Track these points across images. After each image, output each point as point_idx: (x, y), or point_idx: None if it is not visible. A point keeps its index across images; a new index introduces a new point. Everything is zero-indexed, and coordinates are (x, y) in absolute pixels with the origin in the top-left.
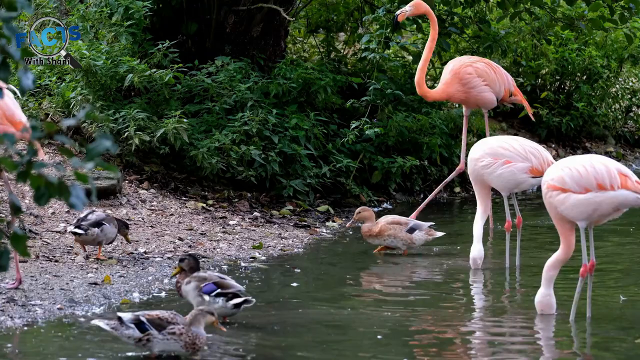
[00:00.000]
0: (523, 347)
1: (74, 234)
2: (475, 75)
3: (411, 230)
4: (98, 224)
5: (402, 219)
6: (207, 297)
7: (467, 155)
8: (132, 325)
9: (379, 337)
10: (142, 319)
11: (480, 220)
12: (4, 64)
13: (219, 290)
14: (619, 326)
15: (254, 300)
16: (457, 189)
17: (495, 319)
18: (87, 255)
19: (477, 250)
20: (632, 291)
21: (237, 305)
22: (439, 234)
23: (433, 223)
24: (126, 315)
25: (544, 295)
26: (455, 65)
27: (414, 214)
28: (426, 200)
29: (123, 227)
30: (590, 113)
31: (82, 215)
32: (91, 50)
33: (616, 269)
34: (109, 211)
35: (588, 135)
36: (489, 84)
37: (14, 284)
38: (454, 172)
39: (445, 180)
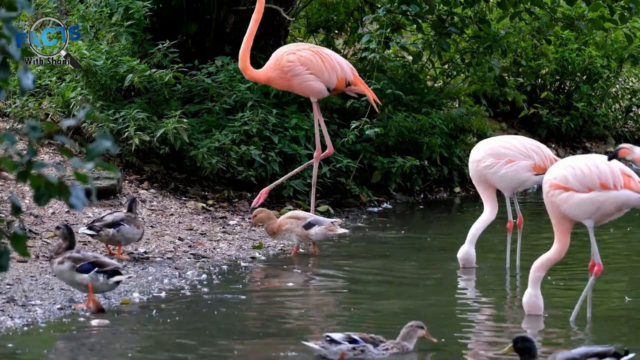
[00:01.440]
0: None
1: (88, 235)
2: (297, 64)
3: (309, 225)
4: (115, 224)
5: (302, 214)
6: (85, 276)
7: (321, 142)
8: (345, 342)
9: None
10: (355, 337)
11: (482, 223)
12: (4, 64)
13: (97, 268)
14: (625, 328)
15: (133, 275)
16: (457, 189)
17: (495, 319)
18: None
19: (463, 252)
20: (637, 292)
21: (117, 282)
22: (342, 230)
23: (337, 220)
24: (337, 335)
25: (532, 296)
26: (280, 51)
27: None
28: (276, 182)
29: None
30: (590, 113)
31: (100, 215)
32: (91, 50)
33: (620, 269)
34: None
35: (588, 135)
36: (314, 72)
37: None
38: (312, 160)
39: (300, 167)
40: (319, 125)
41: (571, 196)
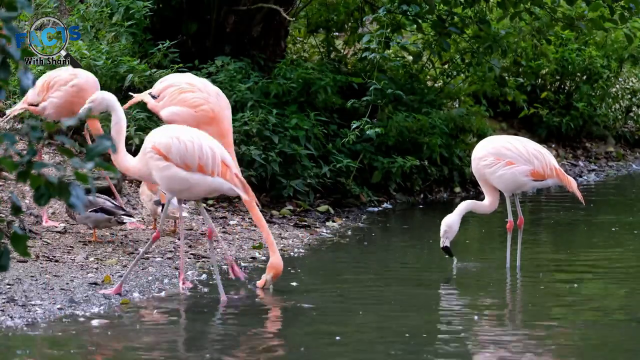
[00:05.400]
0: (522, 347)
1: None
2: None
3: (158, 203)
4: None
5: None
6: None
7: None
8: None
9: (373, 336)
10: None
11: (476, 204)
12: (4, 64)
13: None
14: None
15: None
16: (457, 189)
17: (495, 319)
18: (87, 255)
19: (449, 220)
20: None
21: None
22: (183, 214)
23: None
24: None
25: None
26: None
27: None
28: None
29: None
30: (590, 113)
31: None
32: (91, 50)
33: (624, 269)
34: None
35: (588, 135)
36: None
37: None
38: None
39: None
40: None
41: (169, 167)
